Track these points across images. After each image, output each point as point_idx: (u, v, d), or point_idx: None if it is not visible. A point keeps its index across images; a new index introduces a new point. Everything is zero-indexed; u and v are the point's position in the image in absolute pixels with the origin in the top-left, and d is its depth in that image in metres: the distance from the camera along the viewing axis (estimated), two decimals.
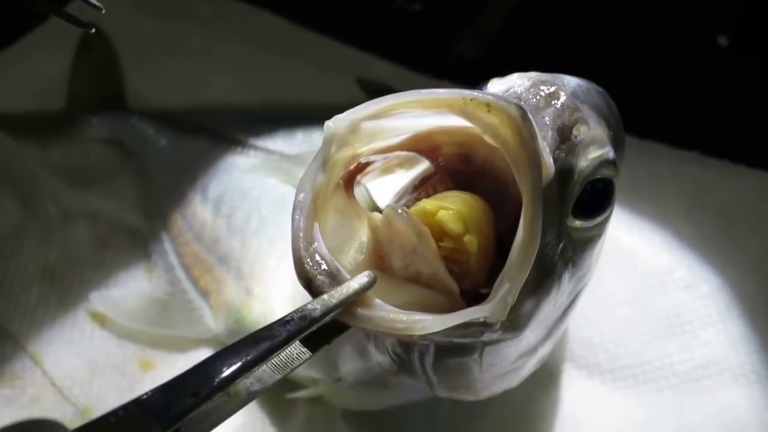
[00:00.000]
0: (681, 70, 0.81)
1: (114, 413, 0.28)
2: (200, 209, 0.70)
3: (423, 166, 0.44)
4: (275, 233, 0.64)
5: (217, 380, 0.30)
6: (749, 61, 0.80)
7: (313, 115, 0.67)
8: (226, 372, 0.31)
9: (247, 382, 0.32)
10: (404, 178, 0.45)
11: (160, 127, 0.80)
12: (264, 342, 0.32)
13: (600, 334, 0.66)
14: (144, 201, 0.76)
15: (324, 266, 0.36)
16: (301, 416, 0.61)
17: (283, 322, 0.33)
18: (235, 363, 0.31)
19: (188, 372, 0.30)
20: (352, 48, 0.89)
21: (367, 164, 0.41)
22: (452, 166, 0.42)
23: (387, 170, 0.45)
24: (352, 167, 0.39)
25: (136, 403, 0.29)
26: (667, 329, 0.66)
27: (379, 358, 0.48)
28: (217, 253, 0.66)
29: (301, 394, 0.59)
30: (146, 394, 0.29)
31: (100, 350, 0.65)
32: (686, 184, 0.74)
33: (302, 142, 0.72)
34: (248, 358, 0.31)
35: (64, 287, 0.68)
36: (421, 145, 0.41)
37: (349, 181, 0.40)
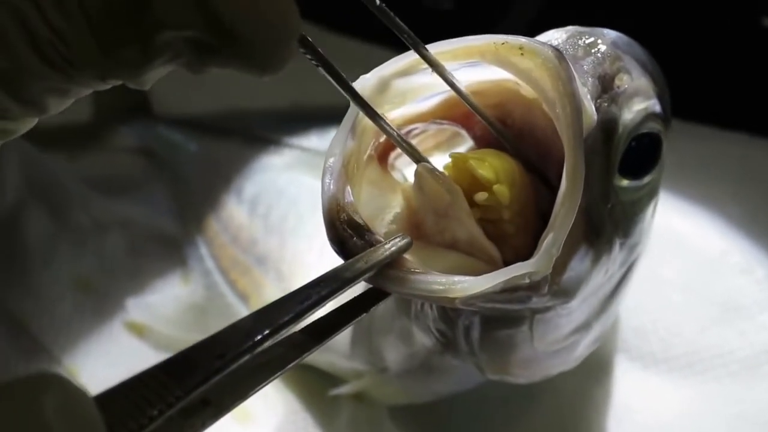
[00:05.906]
0: (725, 52, 0.79)
1: (137, 377, 0.26)
2: (236, 211, 0.68)
3: (462, 148, 0.42)
4: (313, 230, 0.62)
5: (244, 342, 0.28)
6: None
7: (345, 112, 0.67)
8: (254, 334, 0.28)
9: (280, 349, 0.30)
10: (442, 161, 0.43)
11: (188, 132, 0.79)
12: (294, 304, 0.30)
13: (653, 322, 0.63)
14: (177, 207, 0.75)
15: (357, 229, 0.34)
16: (345, 416, 0.58)
17: (314, 284, 0.31)
18: (263, 325, 0.29)
19: (214, 335, 0.28)
20: (379, 48, 0.88)
21: None
22: (489, 136, 0.40)
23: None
24: (383, 138, 0.38)
25: (160, 367, 0.27)
26: (723, 315, 0.63)
27: (423, 339, 0.46)
28: (255, 254, 0.65)
29: (345, 389, 0.57)
30: (170, 357, 0.27)
31: (137, 361, 0.61)
32: (735, 165, 0.72)
33: None
34: (278, 320, 0.29)
35: (98, 297, 0.66)
36: (455, 111, 0.39)
37: (384, 154, 0.39)
